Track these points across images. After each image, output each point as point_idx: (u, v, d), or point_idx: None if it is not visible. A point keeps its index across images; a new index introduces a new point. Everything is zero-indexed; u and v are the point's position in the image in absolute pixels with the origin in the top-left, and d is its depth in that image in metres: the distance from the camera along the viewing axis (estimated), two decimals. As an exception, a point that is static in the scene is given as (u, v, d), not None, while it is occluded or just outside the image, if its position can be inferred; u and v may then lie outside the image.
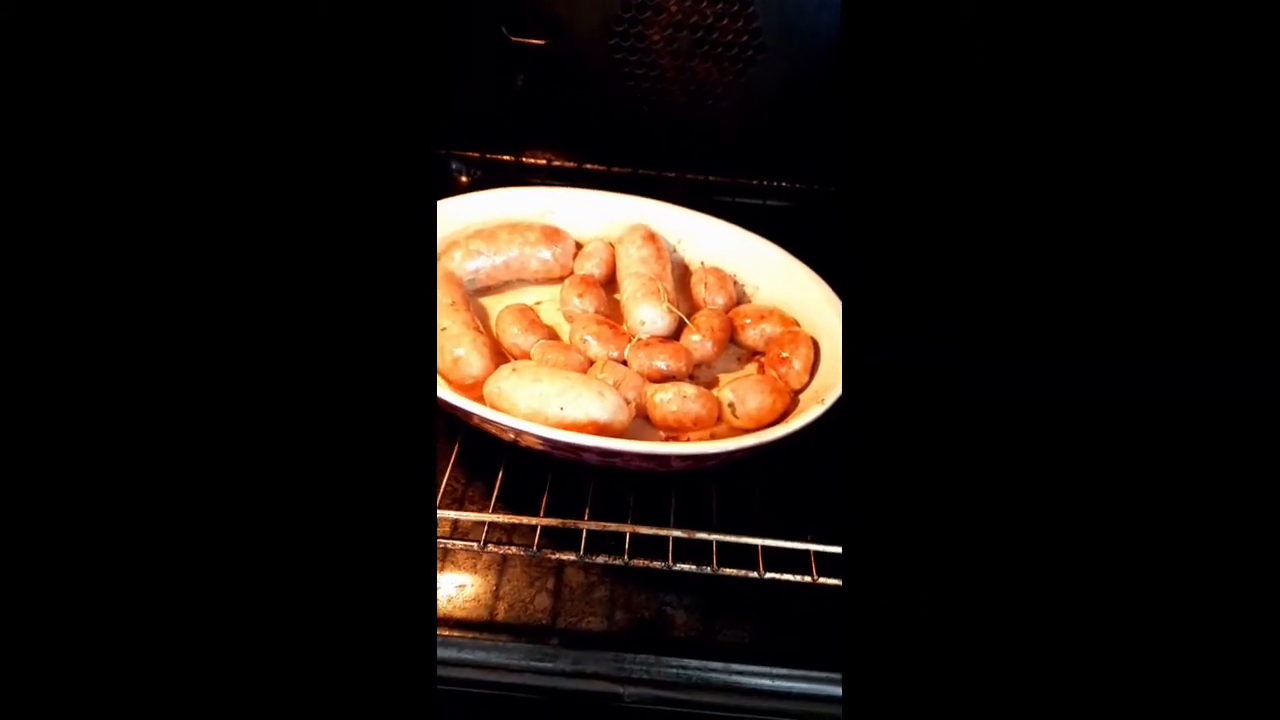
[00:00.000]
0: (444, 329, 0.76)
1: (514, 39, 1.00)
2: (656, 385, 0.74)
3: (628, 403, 0.71)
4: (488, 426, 0.70)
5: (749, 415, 0.72)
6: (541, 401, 0.68)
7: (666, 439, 0.73)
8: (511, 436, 0.69)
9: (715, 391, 0.75)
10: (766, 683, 0.66)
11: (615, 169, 1.08)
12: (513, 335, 0.79)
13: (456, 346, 0.75)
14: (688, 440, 0.72)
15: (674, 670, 0.66)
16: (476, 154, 1.10)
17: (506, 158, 1.10)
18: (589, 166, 1.08)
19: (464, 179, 1.11)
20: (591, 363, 0.77)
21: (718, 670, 0.66)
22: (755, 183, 1.09)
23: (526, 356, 0.78)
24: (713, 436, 0.72)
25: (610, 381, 0.72)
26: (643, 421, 0.75)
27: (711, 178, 1.08)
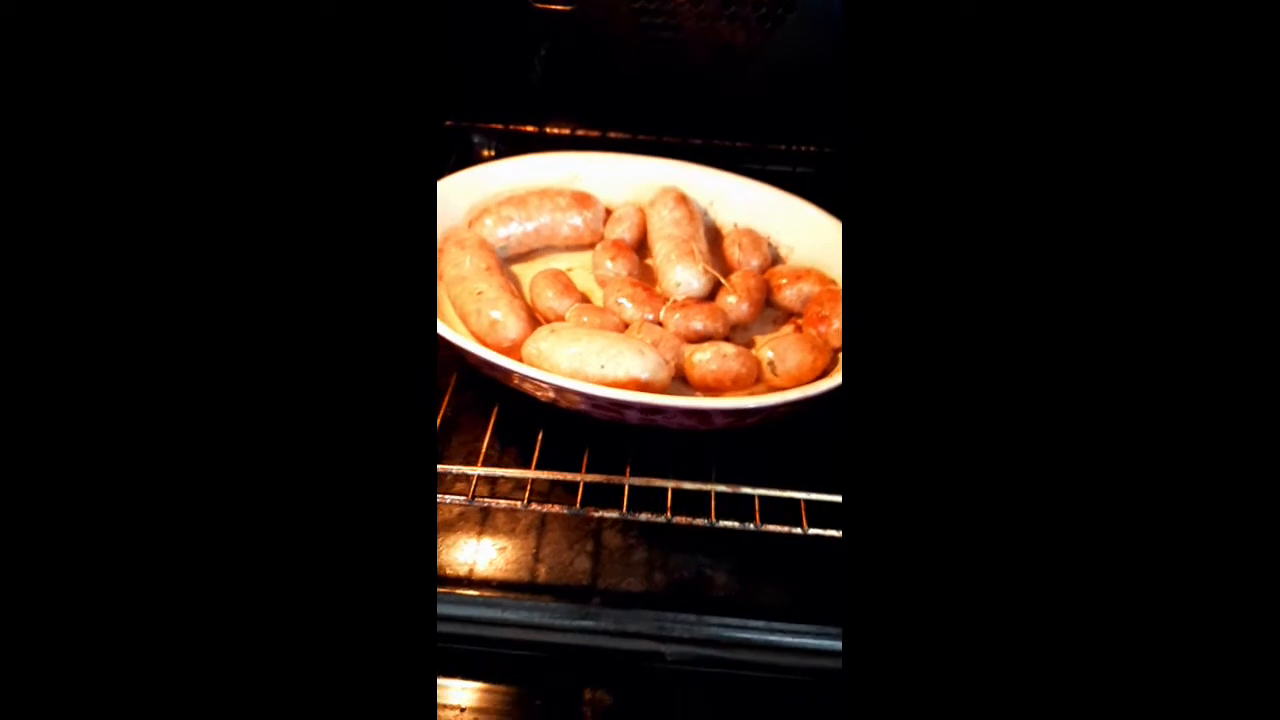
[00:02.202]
0: (480, 293, 0.76)
1: (537, 5, 0.99)
2: (694, 345, 0.74)
3: (667, 363, 0.70)
4: (527, 386, 0.70)
5: (789, 373, 0.72)
6: (582, 361, 0.68)
7: None
8: (552, 396, 0.69)
9: (754, 351, 0.74)
10: (810, 641, 0.66)
11: (640, 136, 1.07)
12: (548, 299, 0.79)
13: (493, 309, 0.75)
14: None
15: (714, 629, 0.66)
16: (499, 125, 1.09)
17: (529, 129, 1.09)
18: (613, 135, 1.07)
19: (486, 152, 1.10)
20: (627, 325, 0.77)
21: (759, 629, 0.66)
22: (784, 148, 1.08)
23: (562, 320, 0.78)
24: (753, 393, 0.72)
25: (648, 342, 0.72)
26: (680, 384, 0.75)
27: (739, 144, 1.07)
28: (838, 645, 0.66)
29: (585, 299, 0.81)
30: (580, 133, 1.08)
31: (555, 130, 1.08)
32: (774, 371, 0.72)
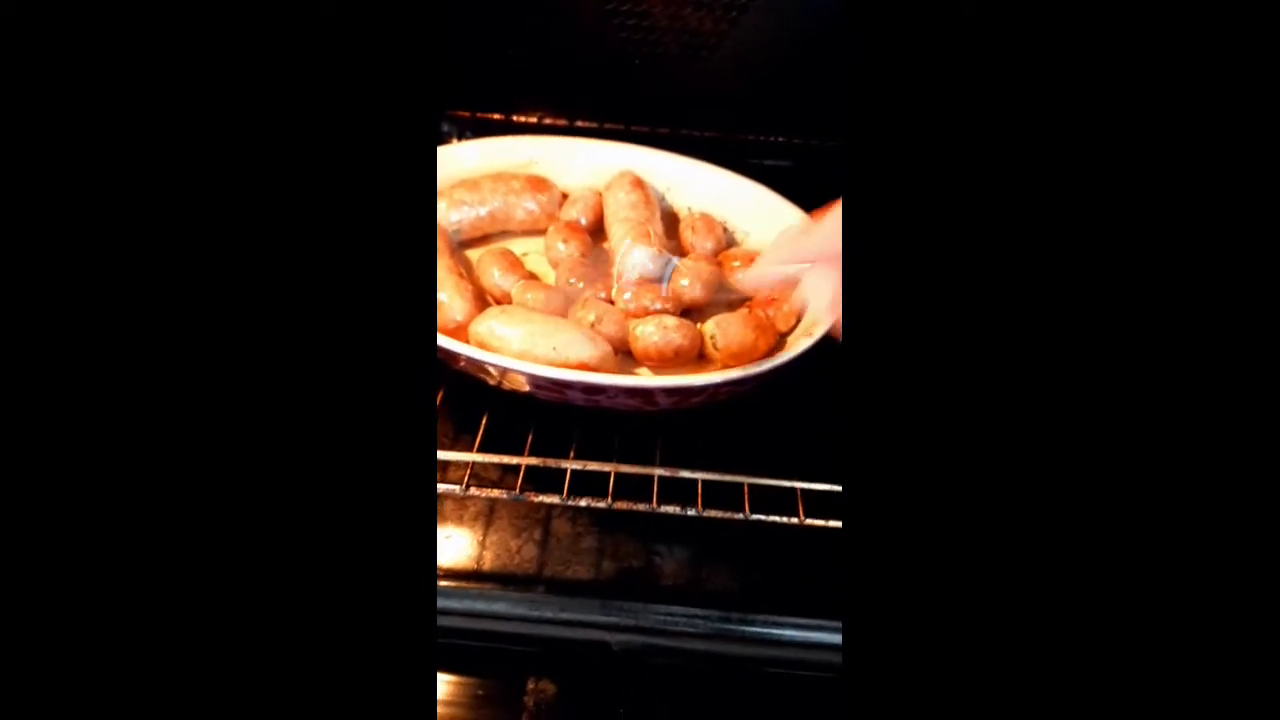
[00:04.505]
0: (426, 274, 0.75)
1: (501, -10, 0.98)
2: (638, 319, 0.73)
3: (615, 351, 0.69)
4: (472, 368, 0.68)
5: (730, 350, 0.71)
6: (532, 343, 0.67)
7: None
8: (496, 379, 0.68)
9: (698, 326, 0.74)
10: (756, 629, 0.65)
11: (607, 125, 1.06)
12: (493, 277, 0.78)
13: (440, 291, 0.74)
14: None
15: (662, 616, 0.65)
16: (466, 113, 1.08)
17: (496, 116, 1.08)
18: (580, 124, 1.06)
19: (453, 140, 1.09)
20: (572, 302, 0.76)
21: (707, 616, 0.65)
22: (754, 139, 1.07)
23: (509, 298, 0.77)
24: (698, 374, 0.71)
25: (591, 317, 0.71)
26: (625, 359, 0.74)
27: (708, 134, 1.06)
28: (790, 634, 0.65)
29: (532, 277, 0.80)
30: (548, 120, 1.07)
31: (522, 118, 1.07)
32: (715, 345, 0.71)
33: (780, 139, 1.07)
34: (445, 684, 0.69)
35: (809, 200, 0.85)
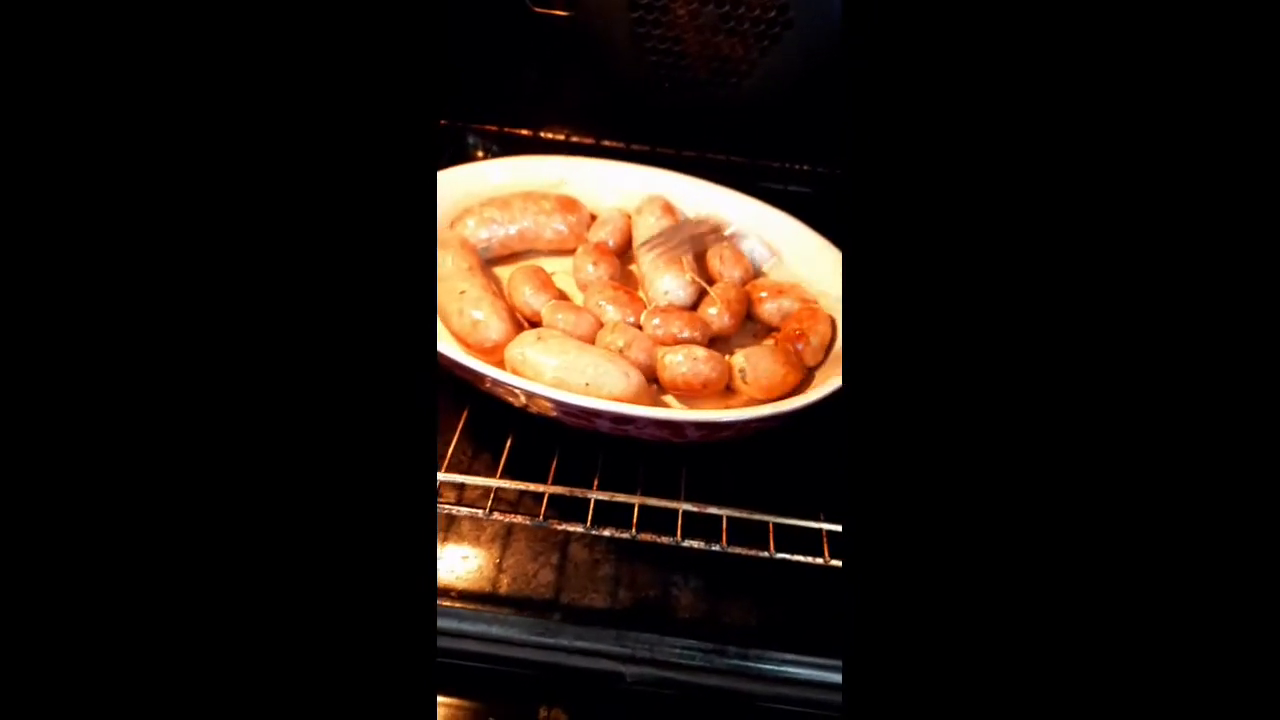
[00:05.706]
0: (462, 292, 0.74)
1: (536, 9, 0.99)
2: (667, 348, 0.72)
3: (648, 378, 0.69)
4: (499, 391, 0.68)
5: (759, 384, 0.71)
6: (566, 372, 0.66)
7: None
8: (523, 402, 0.68)
9: (727, 358, 0.73)
10: (772, 667, 0.64)
11: (634, 146, 1.06)
12: (525, 295, 0.77)
13: (475, 310, 0.73)
14: (699, 407, 0.70)
15: (678, 650, 0.64)
16: (494, 128, 1.09)
17: (524, 132, 1.08)
18: (607, 143, 1.07)
19: (480, 154, 1.10)
20: (603, 326, 0.75)
21: (723, 653, 0.64)
22: (777, 165, 1.07)
23: (538, 317, 0.76)
24: (726, 407, 0.70)
25: (620, 342, 0.71)
26: (655, 391, 0.73)
27: (733, 158, 1.07)
28: (808, 673, 0.64)
29: (563, 297, 0.80)
30: (575, 139, 1.08)
31: (550, 135, 1.08)
32: (744, 379, 0.71)
33: (805, 166, 1.08)
34: (456, 708, 0.68)
35: (828, 227, 0.86)
